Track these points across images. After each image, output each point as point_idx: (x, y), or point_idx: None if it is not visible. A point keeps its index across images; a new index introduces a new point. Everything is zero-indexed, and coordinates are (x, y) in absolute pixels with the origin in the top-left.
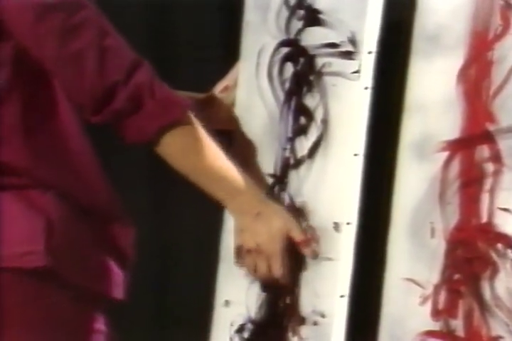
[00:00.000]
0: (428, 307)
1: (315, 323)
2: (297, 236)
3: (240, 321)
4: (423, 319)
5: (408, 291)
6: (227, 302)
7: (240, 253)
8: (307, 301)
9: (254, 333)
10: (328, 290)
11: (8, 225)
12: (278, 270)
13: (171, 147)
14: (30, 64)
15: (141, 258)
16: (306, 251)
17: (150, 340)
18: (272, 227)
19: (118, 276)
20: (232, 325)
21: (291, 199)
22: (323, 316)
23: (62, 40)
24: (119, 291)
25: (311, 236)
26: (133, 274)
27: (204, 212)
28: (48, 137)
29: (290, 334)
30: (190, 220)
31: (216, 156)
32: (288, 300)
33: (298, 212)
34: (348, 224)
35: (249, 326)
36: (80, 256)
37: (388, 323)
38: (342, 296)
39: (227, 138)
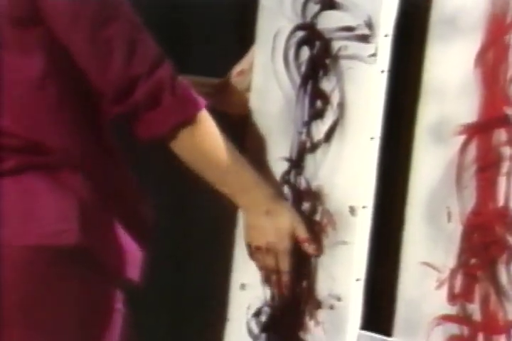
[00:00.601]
0: (444, 291)
1: (331, 307)
2: (302, 234)
3: (256, 304)
4: (439, 303)
5: (424, 275)
6: (243, 286)
7: (251, 249)
8: (323, 285)
9: (271, 317)
10: (344, 274)
11: (41, 204)
12: (285, 266)
13: (184, 143)
14: (64, 51)
15: (159, 241)
16: (310, 249)
17: (168, 323)
18: (280, 226)
19: (137, 257)
20: (248, 308)
21: (308, 183)
22: (339, 300)
23: (96, 26)
24: (136, 272)
25: (328, 221)
26: (151, 257)
27: (221, 196)
28: (82, 119)
29: (307, 318)
30: (208, 204)
31: (228, 154)
32: (304, 284)
33: (314, 196)
34: (363, 207)
35: (266, 309)
36: (107, 235)
37: (404, 307)
38: (358, 280)
39: (239, 136)
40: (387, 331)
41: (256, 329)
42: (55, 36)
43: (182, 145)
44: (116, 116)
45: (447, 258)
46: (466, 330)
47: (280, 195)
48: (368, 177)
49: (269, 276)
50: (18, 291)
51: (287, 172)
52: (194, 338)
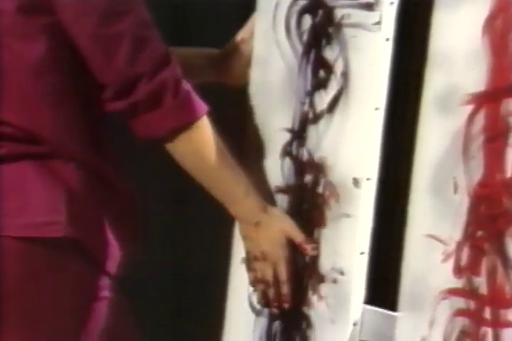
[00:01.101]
0: (450, 264)
1: (334, 281)
2: (297, 238)
3: None
4: (445, 276)
5: (430, 248)
6: (244, 260)
7: (248, 258)
8: (326, 259)
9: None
10: (347, 248)
11: (30, 194)
12: (283, 275)
13: (180, 148)
14: (68, 41)
15: (158, 215)
16: (307, 251)
17: (167, 298)
18: (272, 235)
19: (119, 253)
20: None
21: (310, 154)
22: (342, 274)
23: (104, 20)
24: (116, 267)
25: (331, 193)
26: (150, 231)
27: None
28: (79, 111)
29: (310, 292)
30: None
31: (222, 164)
32: (307, 258)
33: (316, 168)
34: (367, 179)
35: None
36: (95, 227)
37: (409, 281)
38: (362, 253)
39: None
40: (392, 305)
41: (258, 305)
42: (62, 27)
43: (178, 149)
44: (116, 112)
45: (453, 230)
46: (472, 304)
47: (271, 204)
48: (372, 149)
49: (266, 293)
50: (6, 281)
51: (289, 144)
52: (196, 313)
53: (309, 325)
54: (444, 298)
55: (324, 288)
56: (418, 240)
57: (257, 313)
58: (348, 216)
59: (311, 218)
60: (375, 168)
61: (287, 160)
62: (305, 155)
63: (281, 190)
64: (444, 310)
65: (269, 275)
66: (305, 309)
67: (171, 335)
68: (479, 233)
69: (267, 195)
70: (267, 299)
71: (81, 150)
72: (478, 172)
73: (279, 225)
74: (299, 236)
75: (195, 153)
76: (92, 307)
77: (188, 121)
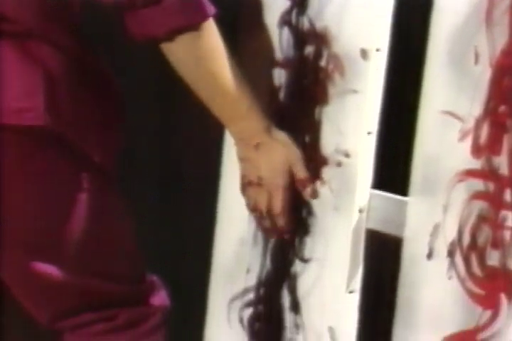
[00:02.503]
0: (468, 143)
1: (338, 164)
2: (299, 173)
3: None
4: (462, 157)
5: (446, 126)
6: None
7: (243, 183)
8: (329, 139)
9: None
10: (353, 127)
11: (5, 76)
12: (278, 207)
13: (180, 53)
14: None
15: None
16: (306, 192)
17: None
18: (272, 160)
19: (111, 141)
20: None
21: (311, 23)
22: (347, 156)
23: None
24: (108, 157)
25: (335, 66)
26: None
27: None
28: None
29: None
30: None
31: (227, 73)
32: (307, 139)
33: (319, 38)
34: (377, 50)
35: None
36: (76, 112)
37: (421, 162)
38: (369, 133)
39: None
40: (402, 190)
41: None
42: None
43: (178, 54)
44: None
45: (472, 105)
46: (491, 186)
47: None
48: (382, 15)
49: (260, 220)
50: None
51: (288, 12)
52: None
53: (310, 212)
54: (460, 180)
55: (327, 172)
56: (433, 117)
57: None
58: (354, 92)
59: (313, 94)
60: (386, 37)
61: (286, 31)
62: (305, 25)
63: (280, 64)
64: (460, 193)
65: (262, 204)
66: (306, 195)
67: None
68: (501, 108)
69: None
70: (264, 227)
71: (58, 32)
72: (502, 39)
73: (283, 151)
74: (301, 171)
75: (196, 59)
76: (74, 197)
77: (190, 23)
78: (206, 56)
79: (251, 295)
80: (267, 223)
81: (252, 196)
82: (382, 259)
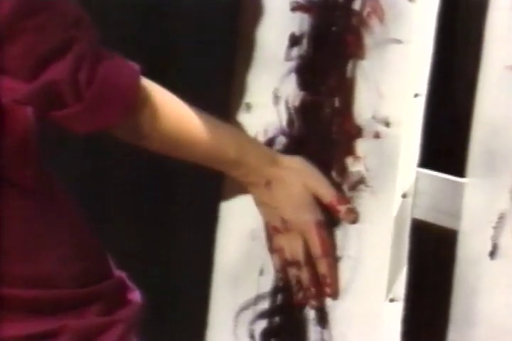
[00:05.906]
0: None
1: (376, 135)
2: (324, 195)
3: (268, 133)
4: None
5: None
6: (248, 106)
7: (268, 233)
8: (365, 104)
9: (289, 149)
10: (395, 88)
11: None
12: (317, 248)
13: (127, 135)
14: None
15: None
16: (341, 216)
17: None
18: (291, 195)
19: None
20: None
21: None
22: (388, 125)
23: None
24: None
25: (372, 9)
26: None
27: None
28: None
29: (341, 152)
30: None
31: (192, 131)
32: (337, 103)
33: None
34: None
35: (283, 140)
36: None
37: (483, 133)
38: (416, 95)
39: None
40: (458, 169)
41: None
42: None
43: (127, 136)
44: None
45: None
46: None
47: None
48: None
49: (301, 281)
50: None
51: None
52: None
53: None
54: None
55: (362, 146)
56: (498, 74)
57: None
58: (397, 42)
59: (344, 46)
60: None
61: None
62: None
63: (302, 7)
64: None
65: (299, 253)
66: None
67: None
68: None
69: None
70: (299, 285)
71: None
72: None
73: (299, 180)
74: (327, 193)
75: (150, 133)
76: None
77: (111, 120)
78: (158, 124)
79: (265, 304)
80: (305, 277)
81: (284, 246)
82: (433, 258)
